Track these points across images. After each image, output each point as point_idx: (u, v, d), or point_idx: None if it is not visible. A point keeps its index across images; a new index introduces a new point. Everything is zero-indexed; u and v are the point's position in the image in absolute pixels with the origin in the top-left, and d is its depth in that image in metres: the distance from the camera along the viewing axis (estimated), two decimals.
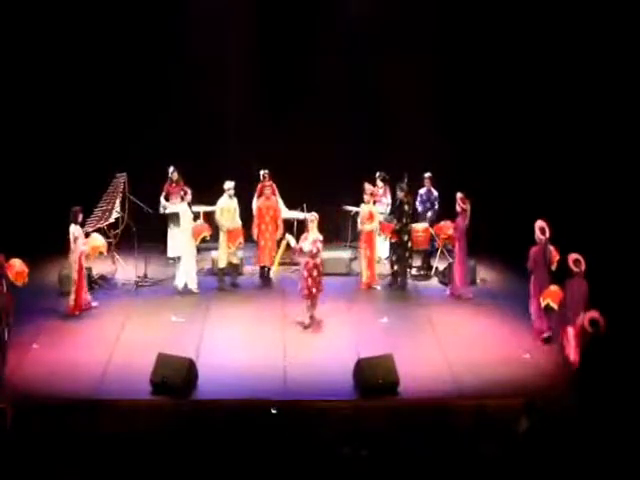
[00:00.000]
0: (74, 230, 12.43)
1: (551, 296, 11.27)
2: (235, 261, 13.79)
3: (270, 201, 13.82)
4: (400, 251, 13.75)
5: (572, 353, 10.59)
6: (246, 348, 11.49)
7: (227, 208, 13.61)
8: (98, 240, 12.87)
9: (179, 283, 13.50)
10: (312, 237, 12.12)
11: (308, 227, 12.28)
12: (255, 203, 14.07)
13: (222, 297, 13.53)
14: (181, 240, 13.61)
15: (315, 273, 12.14)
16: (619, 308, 11.14)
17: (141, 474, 7.36)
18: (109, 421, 9.21)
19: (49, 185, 15.19)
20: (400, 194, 13.73)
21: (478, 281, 14.07)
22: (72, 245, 12.43)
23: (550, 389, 10.27)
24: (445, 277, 13.98)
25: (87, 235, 12.84)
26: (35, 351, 11.33)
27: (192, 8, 15.69)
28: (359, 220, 13.91)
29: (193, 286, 13.50)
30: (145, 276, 13.98)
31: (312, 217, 12.31)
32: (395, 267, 13.85)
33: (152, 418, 9.16)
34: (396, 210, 13.78)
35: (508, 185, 14.89)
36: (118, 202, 14.14)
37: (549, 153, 15.19)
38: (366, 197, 13.78)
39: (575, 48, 14.88)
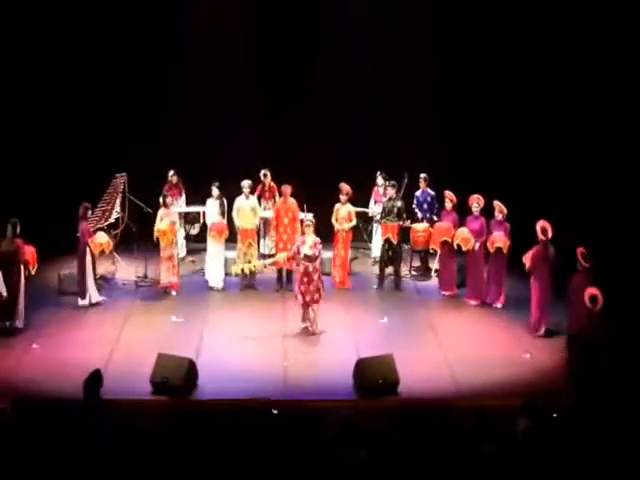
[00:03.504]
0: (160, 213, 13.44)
1: (463, 240, 12.86)
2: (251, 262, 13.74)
3: (288, 202, 13.76)
4: (392, 251, 13.77)
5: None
6: (246, 348, 11.49)
7: (242, 207, 13.64)
8: (163, 224, 13.20)
9: (217, 284, 13.67)
10: (310, 240, 11.91)
11: (304, 231, 12.11)
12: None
13: (222, 297, 13.54)
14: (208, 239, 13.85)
15: (306, 279, 11.82)
16: (620, 308, 11.17)
17: (141, 474, 7.35)
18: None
19: (49, 185, 15.18)
20: (391, 192, 13.78)
21: None
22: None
23: (550, 389, 10.27)
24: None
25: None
26: (35, 351, 11.34)
27: (192, 8, 15.71)
28: (335, 220, 13.72)
29: (220, 285, 13.68)
30: (145, 276, 13.97)
31: (308, 222, 12.07)
32: (387, 268, 13.84)
33: (152, 418, 9.15)
34: (385, 207, 13.80)
35: (507, 185, 14.88)
36: (118, 202, 14.16)
37: (550, 153, 15.19)
38: (342, 197, 13.75)
39: (574, 49, 14.88)
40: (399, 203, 13.82)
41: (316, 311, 11.96)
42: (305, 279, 11.81)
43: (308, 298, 11.83)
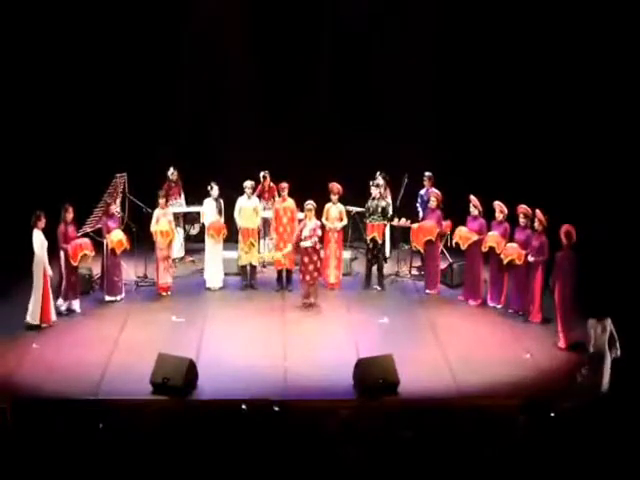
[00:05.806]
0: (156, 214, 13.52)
1: (462, 239, 12.97)
2: (253, 262, 13.76)
3: (287, 202, 13.75)
4: (377, 250, 13.76)
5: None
6: (246, 348, 11.49)
7: (245, 207, 13.68)
8: (164, 225, 13.31)
9: (214, 284, 13.70)
10: (310, 225, 12.62)
11: (306, 215, 12.77)
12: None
13: (222, 297, 13.55)
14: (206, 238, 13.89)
15: (306, 259, 12.72)
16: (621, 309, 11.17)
17: (141, 474, 7.37)
18: (109, 421, 9.20)
19: (48, 185, 15.17)
20: (375, 191, 13.75)
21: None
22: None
23: (550, 389, 10.27)
24: (446, 277, 13.96)
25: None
26: (35, 351, 11.34)
27: (192, 8, 15.72)
28: (325, 219, 13.57)
29: (218, 285, 13.74)
30: (145, 276, 13.98)
31: (309, 206, 12.74)
32: (372, 267, 13.80)
33: (152, 418, 9.16)
34: (370, 207, 13.75)
35: (507, 184, 14.90)
36: (118, 202, 14.15)
37: (551, 151, 15.19)
38: (333, 197, 13.71)
39: (573, 49, 14.89)
40: (383, 203, 13.81)
41: (315, 286, 12.92)
42: (306, 259, 12.78)
43: (308, 277, 12.80)
